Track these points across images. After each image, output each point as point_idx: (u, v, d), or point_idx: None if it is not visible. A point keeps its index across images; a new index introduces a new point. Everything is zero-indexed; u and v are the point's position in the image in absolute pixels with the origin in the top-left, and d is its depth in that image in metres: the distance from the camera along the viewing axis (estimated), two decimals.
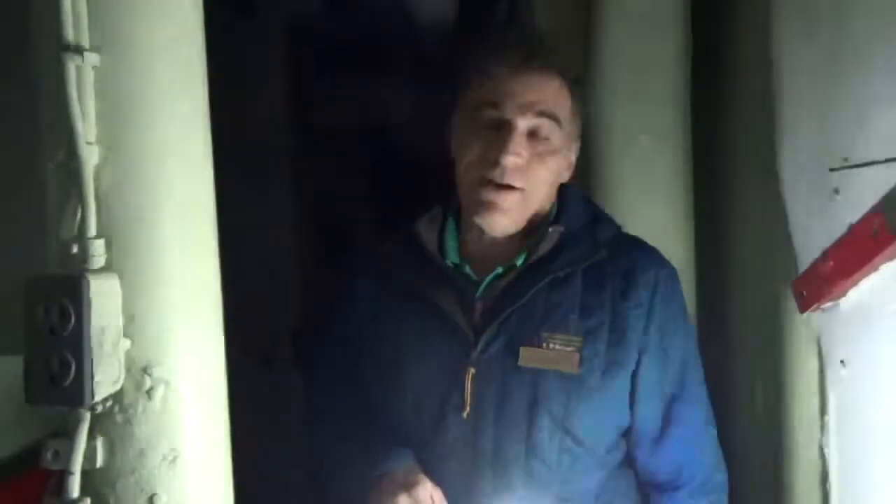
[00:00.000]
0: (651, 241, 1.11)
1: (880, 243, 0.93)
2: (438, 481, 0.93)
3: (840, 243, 1.02)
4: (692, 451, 0.99)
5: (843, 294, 1.04)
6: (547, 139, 0.94)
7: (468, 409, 0.93)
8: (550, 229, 0.97)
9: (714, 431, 1.02)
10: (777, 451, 1.22)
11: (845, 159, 1.03)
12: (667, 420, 0.98)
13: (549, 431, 0.92)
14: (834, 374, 1.09)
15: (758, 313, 1.29)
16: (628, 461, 1.02)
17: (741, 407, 1.37)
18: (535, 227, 0.99)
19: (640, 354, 0.96)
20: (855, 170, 1.02)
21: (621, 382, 0.95)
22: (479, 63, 0.96)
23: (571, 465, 0.94)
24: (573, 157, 1.03)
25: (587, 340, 0.94)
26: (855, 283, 1.01)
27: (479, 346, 0.94)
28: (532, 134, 0.94)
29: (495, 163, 0.92)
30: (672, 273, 1.01)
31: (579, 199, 1.05)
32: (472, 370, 0.94)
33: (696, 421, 1.00)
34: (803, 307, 1.12)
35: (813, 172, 1.11)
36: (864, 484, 1.03)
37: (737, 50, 1.36)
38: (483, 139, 0.94)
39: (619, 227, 1.04)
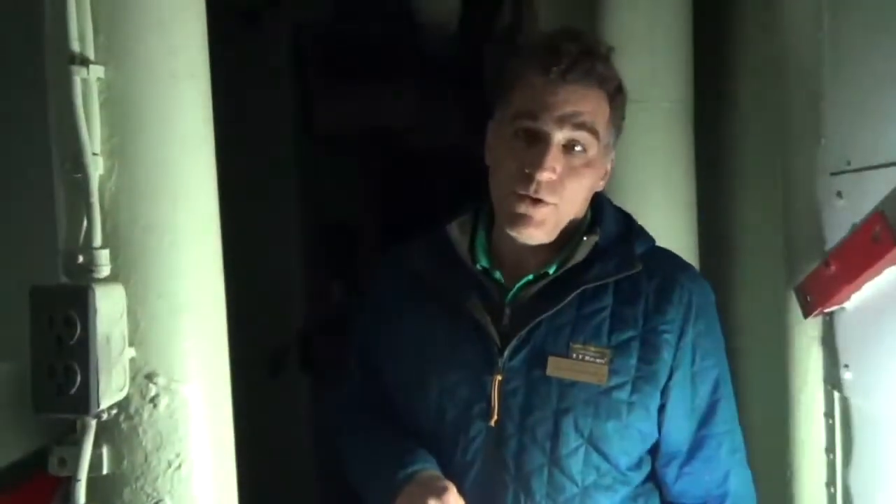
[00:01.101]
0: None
1: (882, 247, 0.92)
2: (460, 489, 0.91)
3: (842, 247, 1.02)
4: (720, 477, 0.97)
5: (847, 298, 1.04)
6: (583, 152, 0.92)
7: (496, 416, 0.93)
8: (585, 238, 0.96)
9: (743, 457, 1.00)
10: (782, 454, 1.21)
11: (848, 163, 1.03)
12: (696, 443, 0.96)
13: (574, 443, 0.92)
14: (838, 378, 1.09)
15: (762, 318, 1.29)
16: (654, 482, 1.00)
17: (745, 410, 1.37)
18: (568, 235, 0.97)
19: (671, 372, 0.94)
20: (857, 173, 1.02)
21: (650, 399, 0.93)
22: (519, 70, 0.94)
23: (595, 479, 0.93)
24: (609, 167, 1.00)
25: (617, 354, 0.92)
26: (858, 287, 1.01)
27: (507, 354, 0.93)
28: (568, 146, 0.92)
29: (529, 177, 0.91)
30: (707, 291, 0.99)
31: (613, 209, 1.04)
32: (500, 377, 0.93)
33: (726, 445, 0.97)
34: (807, 311, 1.12)
35: (816, 176, 1.11)
36: (870, 486, 1.03)
37: (740, 52, 1.36)
38: (519, 151, 0.92)
39: (653, 241, 1.03)
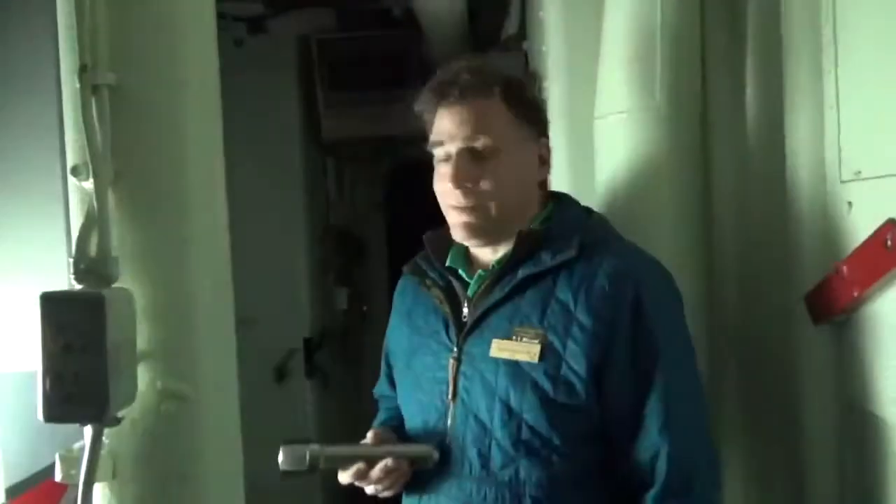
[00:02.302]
0: (665, 254, 1.11)
1: (894, 255, 0.92)
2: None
3: (853, 255, 1.01)
4: (667, 446, 0.99)
5: (857, 307, 1.03)
6: (490, 151, 1.04)
7: (450, 395, 1.05)
8: (519, 231, 1.06)
9: (701, 425, 1.03)
10: (792, 465, 1.20)
11: (858, 172, 1.03)
12: (638, 417, 1.00)
13: (509, 418, 1.00)
14: (848, 387, 1.08)
15: (771, 326, 1.28)
16: (601, 476, 1.03)
17: (753, 420, 1.36)
18: (513, 228, 1.08)
19: (606, 353, 0.99)
20: (868, 182, 1.01)
21: (580, 377, 0.99)
22: (424, 108, 1.10)
23: (528, 453, 0.99)
24: (541, 152, 1.12)
25: (550, 333, 1.00)
26: (870, 296, 1.00)
27: (461, 339, 1.06)
28: (473, 153, 1.04)
29: (452, 190, 1.05)
30: (652, 276, 1.05)
31: (572, 205, 1.15)
32: (454, 361, 1.05)
33: (676, 415, 1.00)
34: (817, 320, 1.12)
35: (826, 185, 1.10)
36: (884, 496, 1.02)
37: (745, 57, 1.36)
38: (443, 172, 1.07)
39: (606, 233, 1.10)
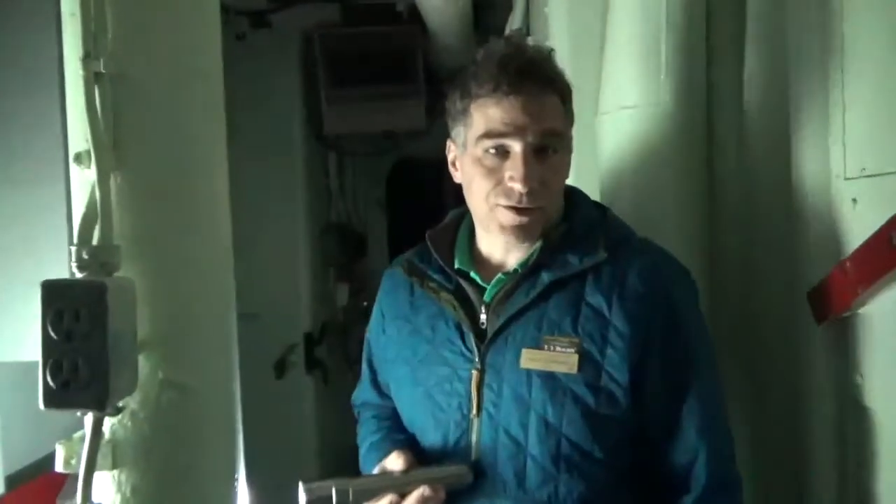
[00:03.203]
0: (669, 249, 1.10)
1: None
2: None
3: (857, 253, 1.01)
4: (705, 448, 0.97)
5: (862, 304, 1.03)
6: (555, 153, 0.98)
7: (474, 410, 0.97)
8: (546, 232, 1.00)
9: (727, 423, 1.02)
10: (795, 462, 1.20)
11: (863, 169, 1.02)
12: (675, 419, 0.97)
13: (544, 432, 0.94)
14: (852, 385, 1.08)
15: (774, 322, 1.28)
16: (638, 470, 1.00)
17: (757, 417, 1.35)
18: (544, 230, 1.02)
19: (642, 356, 0.95)
20: (872, 179, 1.01)
21: (619, 385, 0.95)
22: (474, 91, 0.98)
23: (569, 467, 0.94)
24: (570, 154, 1.05)
25: (587, 342, 0.95)
26: (873, 294, 1.00)
27: (483, 349, 0.98)
28: (539, 151, 0.96)
29: (512, 189, 0.96)
30: (678, 273, 1.02)
31: (586, 201, 1.08)
32: (476, 373, 0.97)
33: (711, 416, 0.98)
34: (820, 317, 1.11)
35: (830, 182, 1.10)
36: (886, 493, 1.02)
37: (751, 53, 1.35)
38: (494, 167, 0.97)
39: (630, 231, 1.05)
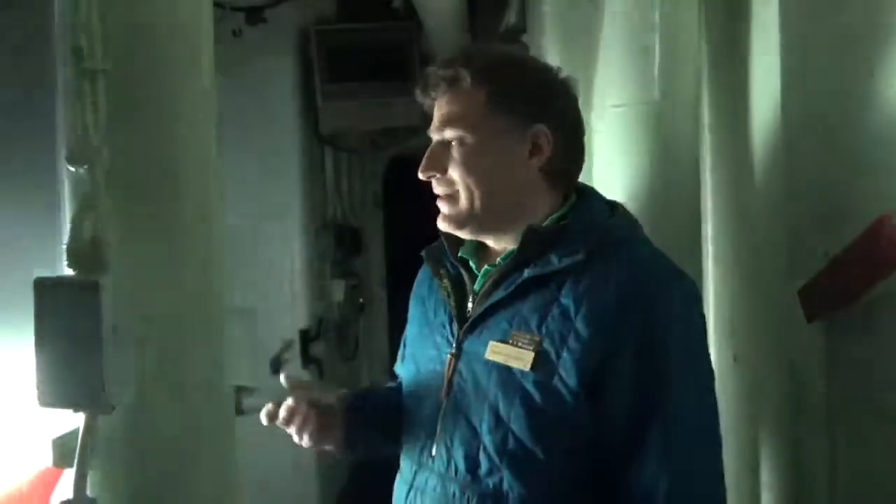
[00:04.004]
0: (659, 247, 1.11)
1: (887, 250, 0.92)
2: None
3: (847, 250, 1.02)
4: (667, 480, 0.90)
5: (851, 302, 1.03)
6: (459, 142, 1.02)
7: (443, 392, 1.01)
8: (526, 229, 1.00)
9: (709, 466, 0.94)
10: (784, 463, 1.21)
11: (856, 167, 1.03)
12: (638, 441, 0.91)
13: (496, 425, 0.96)
14: (843, 384, 1.09)
15: (767, 320, 1.29)
16: (599, 492, 0.95)
17: (749, 417, 1.36)
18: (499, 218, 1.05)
19: (602, 366, 0.91)
20: (862, 178, 1.01)
21: (571, 389, 0.92)
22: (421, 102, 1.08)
23: (514, 463, 0.95)
24: (534, 140, 1.02)
25: (546, 342, 0.94)
26: (863, 291, 1.01)
27: (461, 336, 1.02)
28: (444, 144, 1.03)
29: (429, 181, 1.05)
30: (666, 284, 0.96)
31: (596, 201, 1.06)
32: (450, 357, 1.02)
33: (680, 450, 0.91)
34: (810, 316, 1.12)
35: (825, 178, 1.10)
36: (876, 493, 1.03)
37: (745, 47, 1.36)
38: None
39: (627, 234, 1.02)
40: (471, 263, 1.07)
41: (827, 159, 1.10)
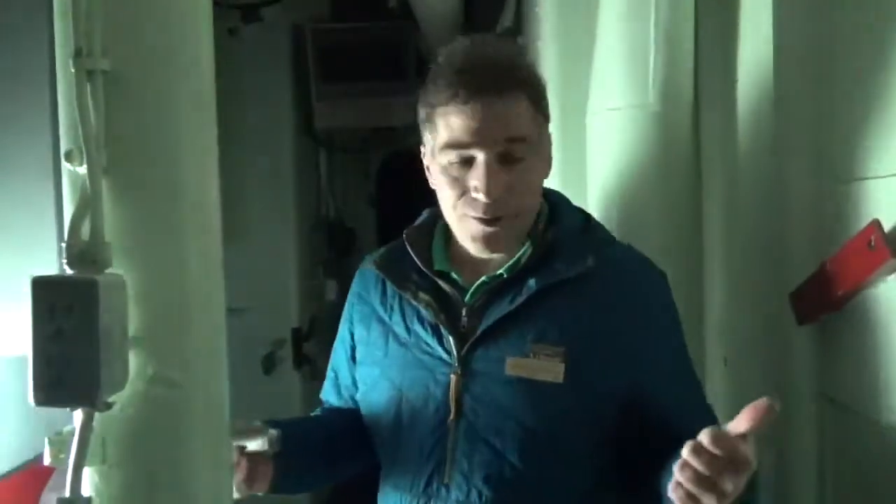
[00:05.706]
0: (654, 252, 1.12)
1: (877, 256, 0.93)
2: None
3: (837, 255, 1.03)
4: (704, 410, 1.03)
5: (842, 306, 1.05)
6: (521, 159, 0.94)
7: (452, 415, 0.95)
8: (535, 239, 0.99)
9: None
10: (774, 465, 1.22)
11: (848, 173, 1.04)
12: (683, 401, 1.00)
13: (523, 438, 0.93)
14: (833, 387, 1.10)
15: (759, 324, 1.30)
16: (612, 485, 1.00)
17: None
18: (525, 233, 1.00)
19: (629, 363, 0.96)
20: (854, 183, 1.03)
21: (606, 393, 0.95)
22: (435, 100, 0.94)
23: (548, 475, 0.94)
24: (548, 152, 1.02)
25: (573, 350, 0.93)
26: (853, 296, 1.02)
27: (464, 353, 0.96)
28: (503, 158, 0.93)
29: (477, 201, 0.93)
30: (660, 281, 1.04)
31: (570, 207, 1.06)
32: (455, 377, 0.95)
33: (695, 384, 1.05)
34: (801, 318, 1.13)
35: (817, 184, 1.12)
36: (864, 497, 1.04)
37: (738, 55, 1.37)
38: (459, 177, 0.94)
39: (610, 237, 1.06)
40: (453, 275, 1.00)
41: (819, 168, 1.11)
